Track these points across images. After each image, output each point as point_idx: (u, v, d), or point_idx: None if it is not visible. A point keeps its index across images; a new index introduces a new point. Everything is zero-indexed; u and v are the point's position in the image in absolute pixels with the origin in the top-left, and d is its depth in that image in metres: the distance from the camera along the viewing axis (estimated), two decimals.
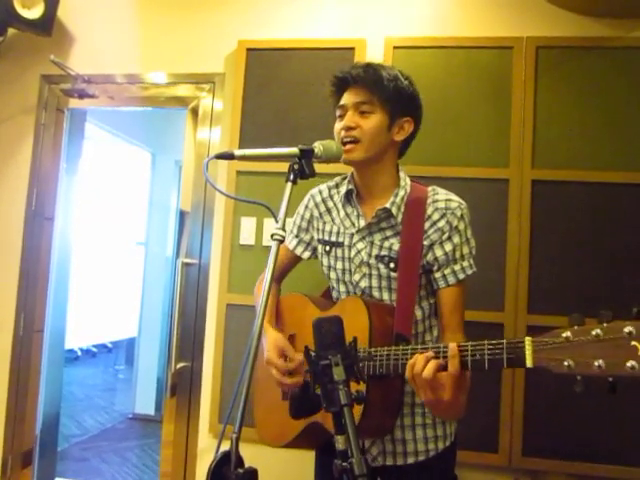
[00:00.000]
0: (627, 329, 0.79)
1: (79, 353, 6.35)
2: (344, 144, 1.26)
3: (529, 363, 0.90)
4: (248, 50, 2.28)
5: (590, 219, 2.00)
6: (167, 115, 3.72)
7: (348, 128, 1.26)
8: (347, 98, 1.29)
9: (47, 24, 2.35)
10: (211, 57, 2.39)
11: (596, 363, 0.81)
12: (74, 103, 2.56)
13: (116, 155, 5.09)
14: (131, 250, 5.41)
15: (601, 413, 1.91)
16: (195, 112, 2.44)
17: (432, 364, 1.00)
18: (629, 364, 0.78)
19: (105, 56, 2.50)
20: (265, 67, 2.28)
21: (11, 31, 2.41)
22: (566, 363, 0.84)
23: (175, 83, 2.44)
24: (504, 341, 0.94)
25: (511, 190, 2.04)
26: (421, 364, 1.01)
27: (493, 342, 0.96)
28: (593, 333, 0.82)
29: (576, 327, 0.85)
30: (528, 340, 0.91)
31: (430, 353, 1.03)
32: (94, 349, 6.61)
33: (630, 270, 1.95)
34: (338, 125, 1.30)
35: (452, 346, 0.99)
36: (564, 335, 0.85)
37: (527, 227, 2.02)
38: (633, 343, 0.78)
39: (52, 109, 2.54)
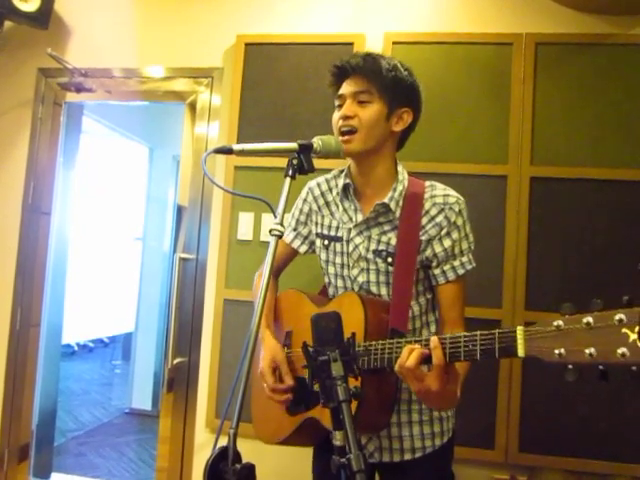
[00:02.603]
0: (618, 317, 0.79)
1: (76, 348, 6.33)
2: (342, 134, 1.25)
3: (521, 352, 0.90)
4: (246, 45, 2.27)
5: (588, 216, 2.00)
6: (165, 110, 3.70)
7: (346, 117, 1.25)
8: (346, 87, 1.28)
9: (44, 17, 2.34)
10: (209, 51, 2.38)
11: (587, 351, 0.81)
12: (71, 97, 2.55)
13: (113, 150, 5.06)
14: (128, 245, 5.39)
15: (598, 410, 1.91)
16: (193, 107, 2.43)
17: (415, 353, 1.01)
18: (620, 351, 0.78)
19: (102, 50, 2.48)
20: (263, 62, 2.27)
21: (8, 24, 2.39)
22: (557, 352, 0.84)
23: (173, 77, 2.43)
24: (496, 331, 0.94)
25: (510, 187, 2.04)
26: (405, 355, 1.02)
27: (485, 332, 0.96)
28: (584, 321, 0.82)
29: (567, 316, 0.85)
30: (520, 329, 0.91)
31: (415, 345, 1.04)
32: (91, 344, 6.59)
33: (628, 266, 1.95)
34: (336, 115, 1.29)
35: (433, 339, 1.01)
36: (555, 324, 0.85)
37: (525, 224, 2.02)
38: (624, 330, 0.78)
39: (49, 103, 2.53)
